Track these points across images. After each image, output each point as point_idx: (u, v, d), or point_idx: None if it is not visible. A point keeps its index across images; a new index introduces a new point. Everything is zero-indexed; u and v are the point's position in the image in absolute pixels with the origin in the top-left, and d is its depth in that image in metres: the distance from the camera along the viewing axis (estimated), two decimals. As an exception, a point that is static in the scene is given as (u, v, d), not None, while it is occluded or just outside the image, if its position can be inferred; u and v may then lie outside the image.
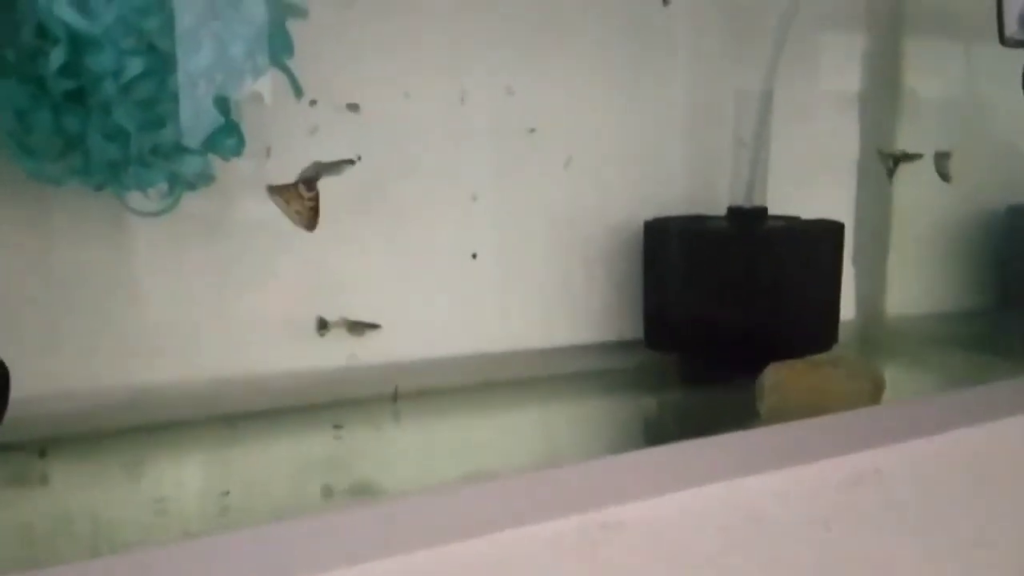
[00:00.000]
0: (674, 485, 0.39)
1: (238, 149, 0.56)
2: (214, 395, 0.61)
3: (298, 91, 0.60)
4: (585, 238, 0.75)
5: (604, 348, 0.76)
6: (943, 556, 0.48)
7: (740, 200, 0.75)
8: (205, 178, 0.57)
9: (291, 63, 0.59)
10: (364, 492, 0.53)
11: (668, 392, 0.75)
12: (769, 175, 0.75)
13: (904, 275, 0.92)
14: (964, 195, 0.94)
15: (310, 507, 0.51)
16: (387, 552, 0.32)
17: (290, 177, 0.59)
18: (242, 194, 0.61)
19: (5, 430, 0.52)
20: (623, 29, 0.74)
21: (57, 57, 0.49)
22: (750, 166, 0.74)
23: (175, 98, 0.52)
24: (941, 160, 0.86)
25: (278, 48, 0.57)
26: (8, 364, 0.52)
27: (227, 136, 0.56)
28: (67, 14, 0.48)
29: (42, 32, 0.49)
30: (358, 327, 0.65)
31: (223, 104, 0.54)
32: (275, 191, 0.57)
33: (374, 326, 0.66)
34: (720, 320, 0.71)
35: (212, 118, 0.54)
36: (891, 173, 0.86)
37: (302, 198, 0.58)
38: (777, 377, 0.60)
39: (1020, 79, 0.74)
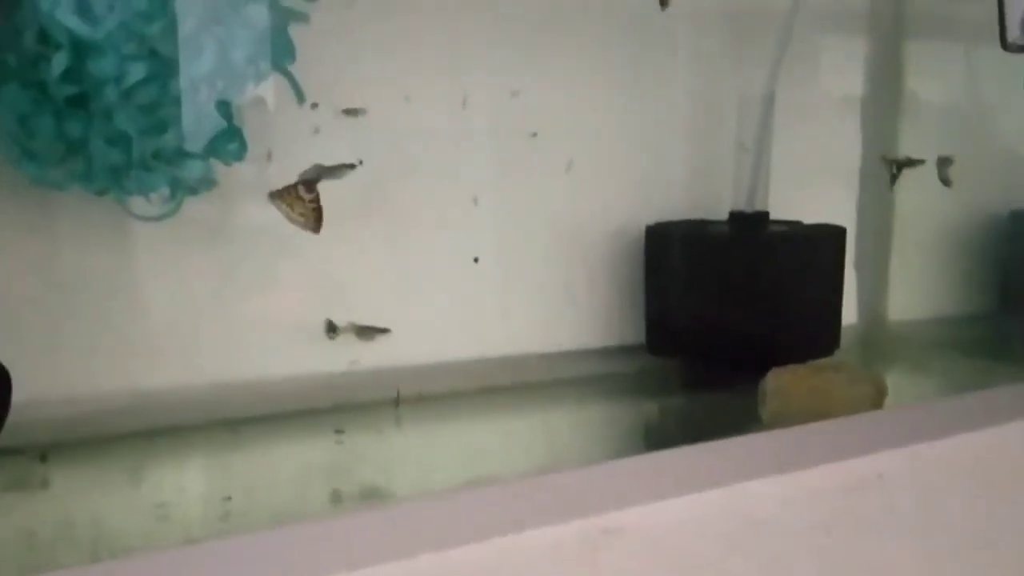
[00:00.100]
0: (675, 490, 0.39)
1: (240, 154, 0.56)
2: (216, 400, 0.61)
3: (300, 96, 0.60)
4: (587, 242, 0.75)
5: (606, 353, 0.76)
6: (945, 561, 0.48)
7: (742, 205, 0.75)
8: (207, 183, 0.57)
9: (292, 67, 0.59)
10: (366, 497, 0.53)
11: (670, 397, 0.75)
12: (771, 179, 0.75)
13: (906, 280, 0.92)
14: (966, 199, 0.94)
15: (312, 512, 0.51)
16: (388, 557, 0.32)
17: (291, 181, 0.59)
18: (244, 198, 0.61)
19: (6, 434, 0.52)
20: (625, 33, 0.74)
21: (59, 62, 0.49)
22: (752, 171, 0.74)
23: (177, 103, 0.52)
24: (942, 165, 0.86)
25: (280, 53, 0.57)
26: (10, 368, 0.52)
27: (229, 141, 0.56)
28: (69, 19, 0.48)
29: (44, 37, 0.49)
30: (367, 331, 0.65)
31: (225, 109, 0.55)
32: (276, 196, 0.58)
33: (383, 330, 0.66)
34: (722, 325, 0.71)
35: (214, 123, 0.54)
36: (895, 179, 0.86)
37: (303, 200, 0.58)
38: (779, 382, 0.60)
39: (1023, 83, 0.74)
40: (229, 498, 0.51)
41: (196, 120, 0.53)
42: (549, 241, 0.73)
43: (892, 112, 0.89)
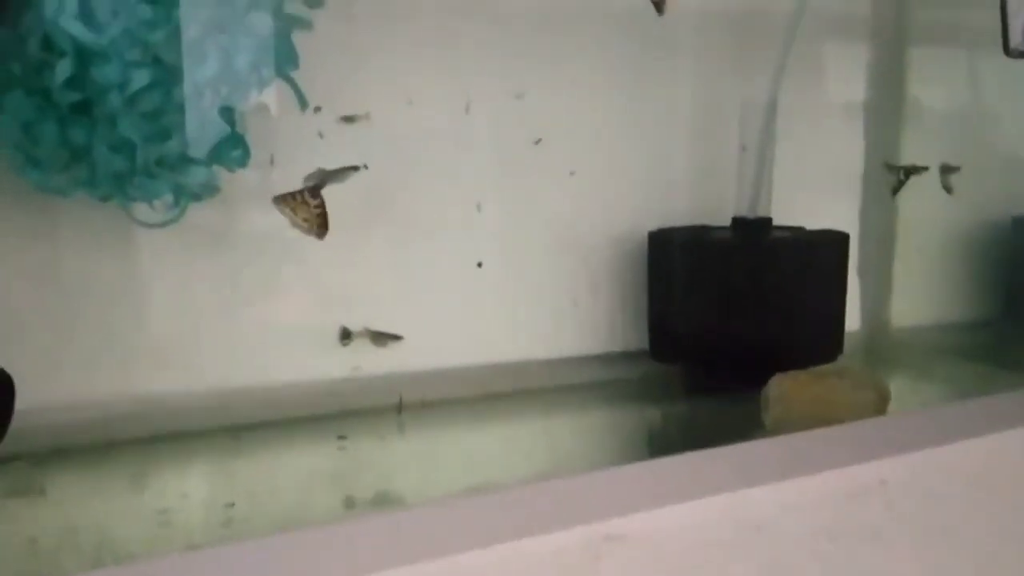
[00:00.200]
0: (678, 496, 0.39)
1: (243, 160, 0.57)
2: (218, 406, 0.61)
3: (303, 103, 0.60)
4: (590, 248, 0.75)
5: (609, 359, 0.76)
6: (948, 568, 0.48)
7: (744, 211, 0.75)
8: (210, 189, 0.57)
9: (295, 72, 0.59)
10: (368, 504, 0.53)
11: (673, 403, 0.75)
12: (774, 185, 0.75)
13: (909, 285, 0.92)
14: (969, 206, 0.94)
15: (314, 518, 0.51)
16: (391, 563, 0.32)
17: (295, 187, 0.59)
18: (247, 205, 0.61)
19: (9, 441, 0.52)
20: (628, 39, 0.74)
21: (63, 69, 0.49)
22: (755, 176, 0.74)
23: (180, 110, 0.52)
24: (944, 173, 0.86)
25: (283, 60, 0.58)
26: (13, 374, 0.52)
27: (232, 148, 0.56)
28: (73, 27, 0.48)
29: (48, 44, 0.49)
30: (381, 337, 0.65)
31: (228, 115, 0.55)
32: (281, 200, 0.57)
33: (396, 337, 0.66)
34: (725, 331, 0.71)
35: (217, 129, 0.54)
36: (901, 186, 0.86)
37: (308, 205, 0.58)
38: (782, 388, 0.60)
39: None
40: (231, 504, 0.51)
41: (200, 127, 0.53)
42: (552, 246, 0.73)
43: (895, 118, 0.89)
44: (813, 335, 0.73)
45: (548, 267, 0.73)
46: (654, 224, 0.76)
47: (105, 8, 0.49)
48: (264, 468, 0.58)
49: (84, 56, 0.49)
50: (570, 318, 0.74)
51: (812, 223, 0.78)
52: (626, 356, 0.77)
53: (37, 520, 0.49)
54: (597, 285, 0.75)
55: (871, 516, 0.44)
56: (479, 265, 0.70)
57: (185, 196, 0.57)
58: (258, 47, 0.54)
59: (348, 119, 0.63)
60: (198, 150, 0.54)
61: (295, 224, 0.58)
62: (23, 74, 0.50)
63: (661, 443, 0.70)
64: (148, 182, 0.53)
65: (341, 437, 0.61)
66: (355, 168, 0.61)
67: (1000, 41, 0.72)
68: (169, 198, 0.56)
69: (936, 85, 0.92)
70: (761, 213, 0.74)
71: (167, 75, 0.51)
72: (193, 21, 0.51)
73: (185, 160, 0.54)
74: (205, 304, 0.61)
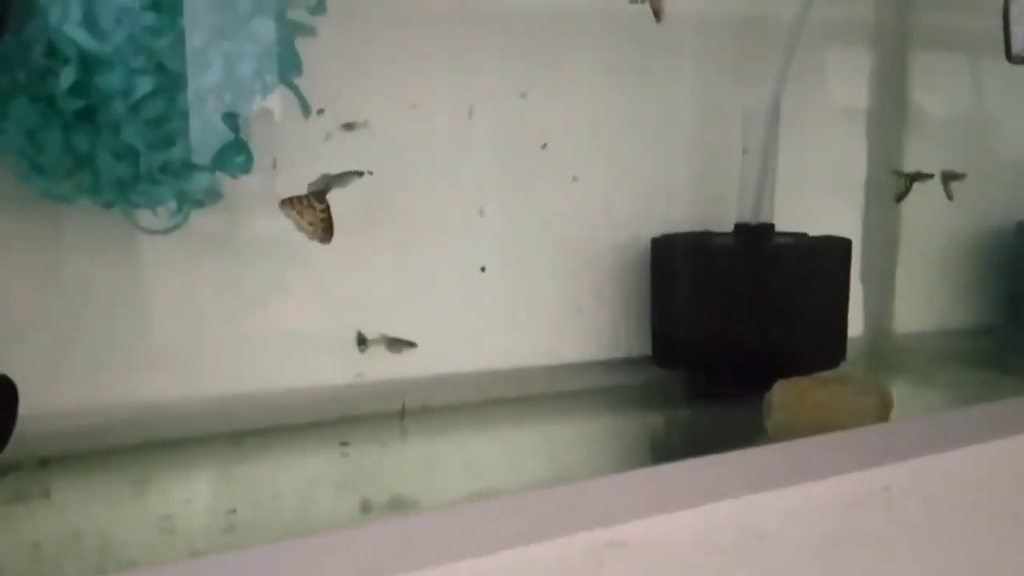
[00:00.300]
0: (681, 503, 0.39)
1: (247, 167, 0.57)
2: (221, 412, 0.61)
3: (306, 109, 0.60)
4: (593, 254, 0.75)
5: (612, 365, 0.76)
6: (951, 574, 0.48)
7: (747, 217, 0.75)
8: (213, 195, 0.57)
9: (298, 79, 0.59)
10: (371, 510, 0.53)
11: (676, 409, 0.75)
12: (776, 191, 0.75)
13: (912, 291, 0.91)
14: (972, 211, 0.94)
15: (317, 525, 0.51)
16: (394, 570, 0.32)
17: (297, 192, 0.59)
18: (250, 211, 0.61)
19: (12, 446, 0.52)
20: (631, 45, 0.75)
21: (67, 76, 0.49)
22: (757, 182, 0.74)
23: (184, 116, 0.52)
24: (946, 180, 0.86)
25: (286, 66, 0.58)
26: (16, 380, 0.52)
27: (236, 154, 0.56)
28: (77, 34, 0.49)
29: (52, 52, 0.49)
30: (396, 344, 0.65)
31: (232, 122, 0.55)
32: (287, 204, 0.57)
33: (411, 344, 0.66)
34: (728, 337, 0.71)
35: (221, 136, 0.55)
36: (906, 193, 0.86)
37: (314, 209, 0.58)
38: (785, 394, 0.60)
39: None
40: (234, 510, 0.51)
41: (203, 133, 0.53)
42: (555, 252, 0.73)
43: (898, 124, 0.90)
44: (816, 341, 0.73)
45: (551, 272, 0.73)
46: (656, 229, 0.76)
47: (109, 15, 0.49)
48: (266, 474, 0.58)
49: (88, 63, 0.49)
50: (573, 324, 0.75)
51: (815, 229, 0.78)
52: (629, 362, 0.77)
53: (40, 526, 0.49)
54: (600, 291, 0.75)
55: (874, 523, 0.44)
56: (482, 270, 0.70)
57: (188, 202, 0.57)
58: (261, 54, 0.55)
59: (351, 125, 0.63)
60: (201, 156, 0.54)
61: (300, 228, 0.58)
62: (27, 81, 0.50)
63: (664, 449, 0.70)
64: (152, 188, 0.53)
65: (344, 443, 0.61)
66: (359, 173, 0.61)
67: (1002, 47, 0.72)
68: (172, 204, 0.56)
69: (939, 91, 0.92)
70: (764, 219, 0.74)
71: (171, 82, 0.51)
72: (197, 28, 0.51)
73: (189, 166, 0.54)
74: (208, 310, 0.61)
